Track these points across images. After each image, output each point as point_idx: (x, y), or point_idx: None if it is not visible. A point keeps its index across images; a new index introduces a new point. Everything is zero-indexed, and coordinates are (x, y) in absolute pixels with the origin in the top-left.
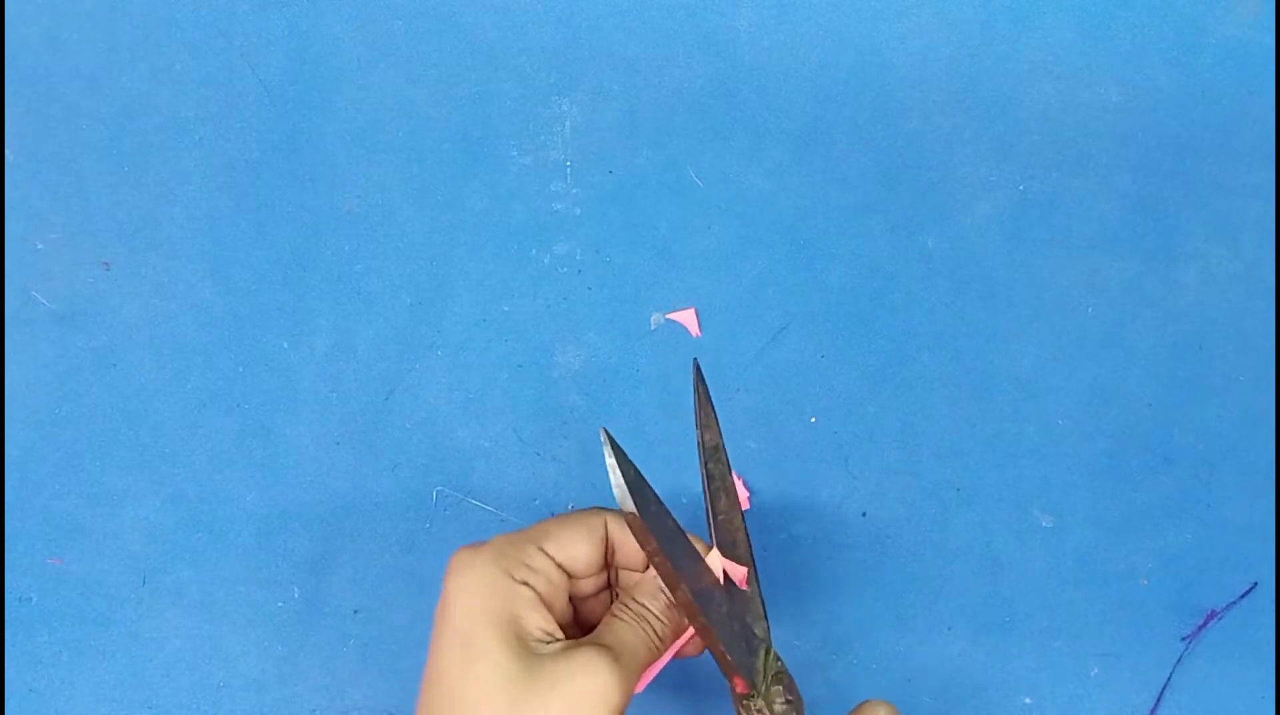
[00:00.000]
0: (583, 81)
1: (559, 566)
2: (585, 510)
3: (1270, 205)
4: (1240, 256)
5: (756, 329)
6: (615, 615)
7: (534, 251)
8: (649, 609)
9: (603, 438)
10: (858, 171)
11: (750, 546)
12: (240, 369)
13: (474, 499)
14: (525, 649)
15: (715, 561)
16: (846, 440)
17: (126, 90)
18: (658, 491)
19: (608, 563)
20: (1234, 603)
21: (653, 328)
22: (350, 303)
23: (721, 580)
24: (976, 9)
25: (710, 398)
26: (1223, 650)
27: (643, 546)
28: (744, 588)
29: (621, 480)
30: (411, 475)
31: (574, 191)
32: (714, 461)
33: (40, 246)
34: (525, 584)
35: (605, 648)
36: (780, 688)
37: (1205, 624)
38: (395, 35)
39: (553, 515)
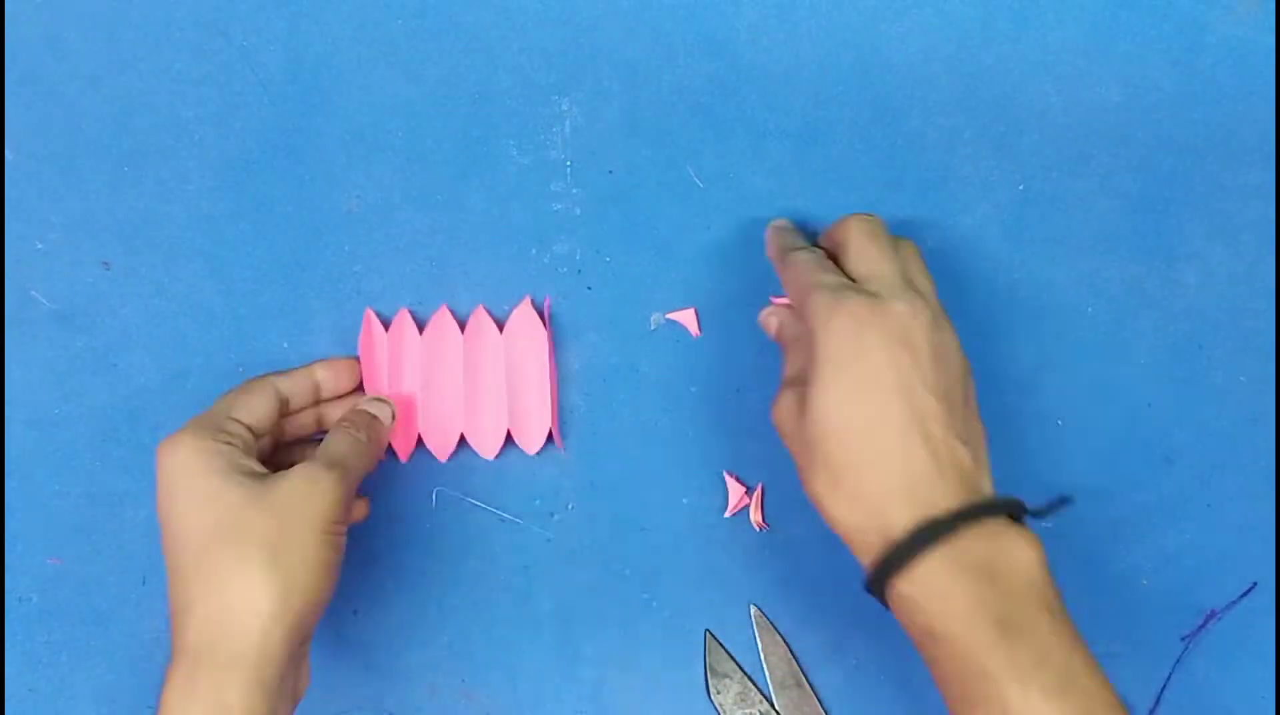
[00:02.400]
0: (583, 81)
1: (249, 428)
2: (252, 378)
3: (1270, 205)
4: (1240, 256)
5: (756, 329)
6: (323, 440)
7: (534, 251)
8: (349, 416)
9: None
10: (858, 171)
11: None
12: (240, 369)
13: (474, 499)
14: (246, 478)
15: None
16: None
17: (126, 90)
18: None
19: (282, 413)
20: (1234, 603)
21: (653, 328)
22: (350, 303)
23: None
24: (976, 9)
25: None
26: (1223, 650)
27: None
28: None
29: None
30: (411, 475)
31: (574, 191)
32: None
33: (40, 246)
34: (229, 443)
35: (314, 458)
36: None
37: (1205, 624)
38: (395, 35)
39: (553, 516)
